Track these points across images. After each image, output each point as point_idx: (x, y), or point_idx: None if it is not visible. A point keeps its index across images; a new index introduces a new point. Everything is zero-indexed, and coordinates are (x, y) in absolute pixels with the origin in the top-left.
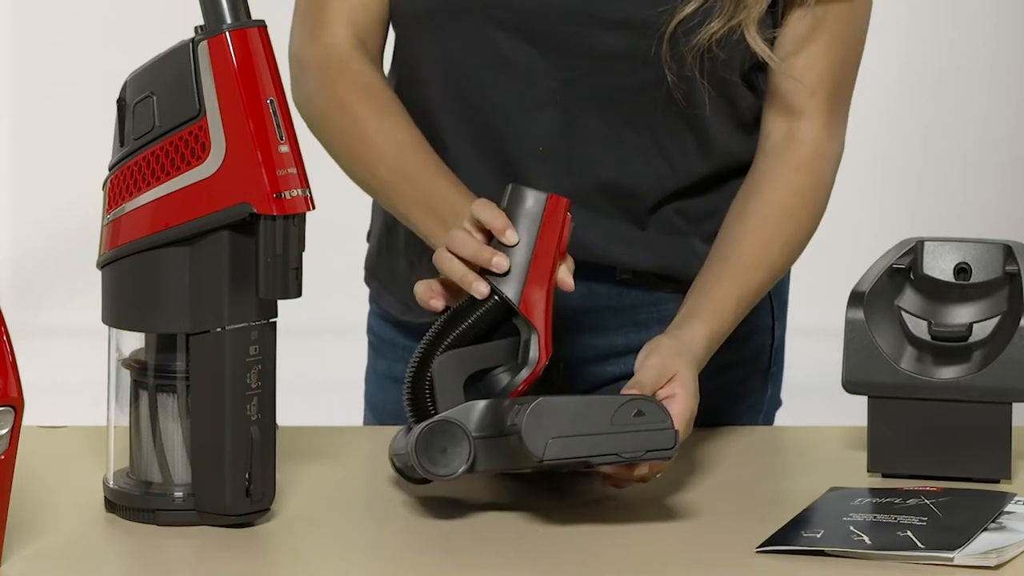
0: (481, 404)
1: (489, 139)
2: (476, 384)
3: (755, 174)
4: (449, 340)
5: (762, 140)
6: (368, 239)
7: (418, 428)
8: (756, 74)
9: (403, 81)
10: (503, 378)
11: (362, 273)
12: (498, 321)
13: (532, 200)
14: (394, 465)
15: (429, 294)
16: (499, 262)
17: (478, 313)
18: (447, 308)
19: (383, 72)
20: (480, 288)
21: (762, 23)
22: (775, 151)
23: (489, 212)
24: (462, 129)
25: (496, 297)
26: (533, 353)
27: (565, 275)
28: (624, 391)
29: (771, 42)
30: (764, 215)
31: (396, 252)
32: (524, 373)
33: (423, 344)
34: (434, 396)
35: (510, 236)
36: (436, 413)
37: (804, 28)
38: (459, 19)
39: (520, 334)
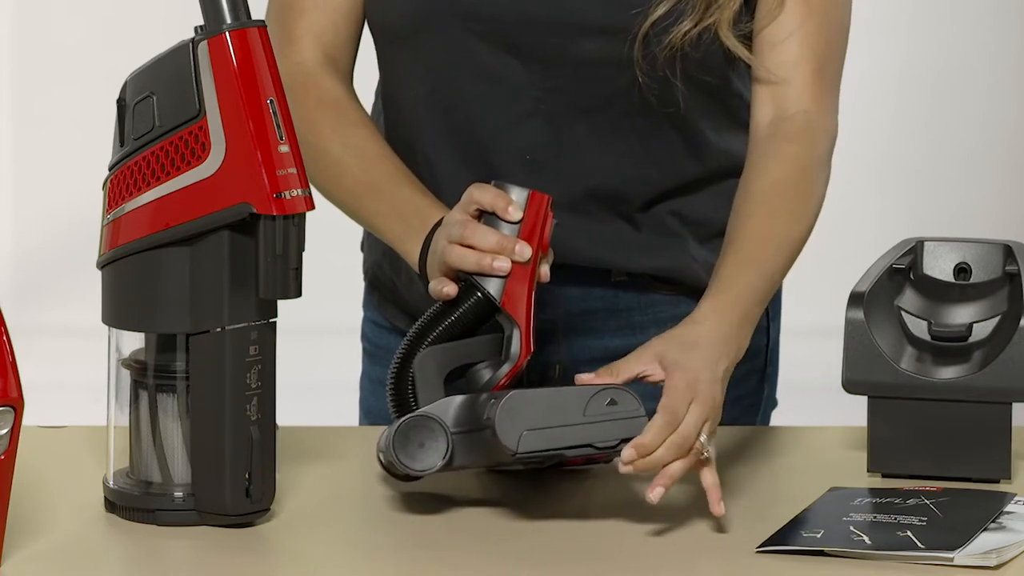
0: (459, 399)
1: (475, 152)
2: (458, 380)
3: (751, 158)
4: (432, 336)
5: (753, 129)
6: (362, 248)
7: (396, 423)
8: (742, 71)
9: (388, 100)
10: (484, 373)
11: (360, 274)
12: (481, 317)
13: (514, 196)
14: (380, 462)
15: (441, 284)
16: (522, 250)
17: (461, 309)
18: (435, 303)
19: (353, 89)
20: (502, 265)
21: (736, 20)
22: (766, 133)
23: (489, 193)
24: (448, 144)
25: (479, 293)
26: (515, 348)
27: (544, 268)
28: (597, 374)
29: (747, 35)
30: (764, 192)
31: (398, 267)
32: (505, 368)
33: (406, 340)
34: (416, 391)
35: (513, 212)
36: (417, 408)
37: (786, 18)
38: (439, 34)
39: (503, 330)
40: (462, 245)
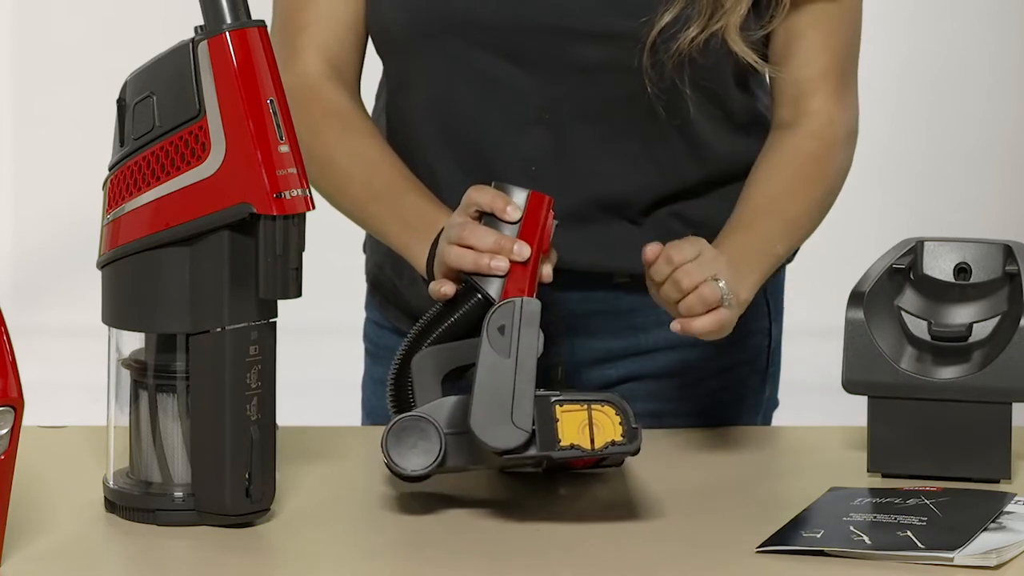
0: (452, 400)
1: (478, 161)
2: (458, 380)
3: (766, 148)
4: (432, 337)
5: (773, 127)
6: (364, 250)
7: (389, 423)
8: (748, 76)
9: (390, 108)
10: None
11: (361, 274)
12: (481, 318)
13: (514, 197)
14: (384, 460)
15: (439, 285)
16: (520, 250)
17: (461, 311)
18: (436, 304)
19: (359, 98)
20: (499, 264)
21: (745, 25)
22: (787, 127)
23: (487, 194)
24: (450, 153)
25: (479, 295)
26: None
27: (546, 268)
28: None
29: (757, 42)
30: (771, 172)
31: (400, 269)
32: None
33: (407, 341)
34: (415, 392)
35: (511, 213)
36: (417, 408)
37: (801, 18)
38: (440, 42)
39: None
40: (460, 246)
